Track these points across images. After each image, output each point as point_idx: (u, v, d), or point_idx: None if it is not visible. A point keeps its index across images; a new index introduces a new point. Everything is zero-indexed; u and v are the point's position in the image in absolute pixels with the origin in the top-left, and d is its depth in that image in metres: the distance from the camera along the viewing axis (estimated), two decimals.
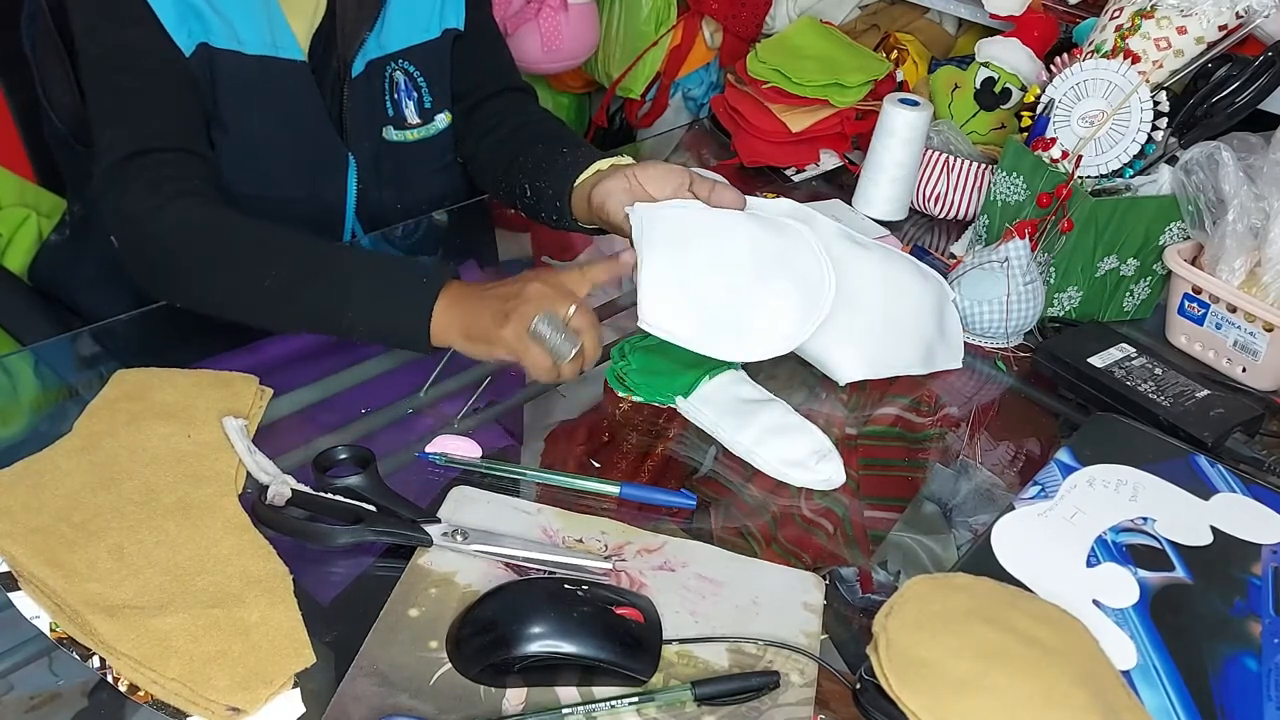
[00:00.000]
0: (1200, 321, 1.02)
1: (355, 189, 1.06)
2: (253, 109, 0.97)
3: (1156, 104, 1.00)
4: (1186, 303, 1.03)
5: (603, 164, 0.94)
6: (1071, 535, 0.76)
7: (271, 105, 0.98)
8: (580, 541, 0.74)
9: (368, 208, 1.09)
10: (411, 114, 1.08)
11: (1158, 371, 0.95)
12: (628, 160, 0.93)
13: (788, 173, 1.35)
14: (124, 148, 0.89)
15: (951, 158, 1.23)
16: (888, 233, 1.19)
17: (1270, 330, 0.96)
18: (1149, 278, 1.09)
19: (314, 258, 0.86)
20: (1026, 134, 1.08)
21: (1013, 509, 0.78)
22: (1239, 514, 0.79)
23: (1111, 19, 1.05)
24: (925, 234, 1.25)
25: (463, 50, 1.10)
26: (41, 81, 1.09)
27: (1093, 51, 1.05)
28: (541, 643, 0.62)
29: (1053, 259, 1.04)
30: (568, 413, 0.90)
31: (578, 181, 0.94)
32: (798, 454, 0.83)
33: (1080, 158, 1.03)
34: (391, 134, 1.07)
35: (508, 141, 1.08)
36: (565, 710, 0.61)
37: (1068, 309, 1.07)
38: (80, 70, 0.94)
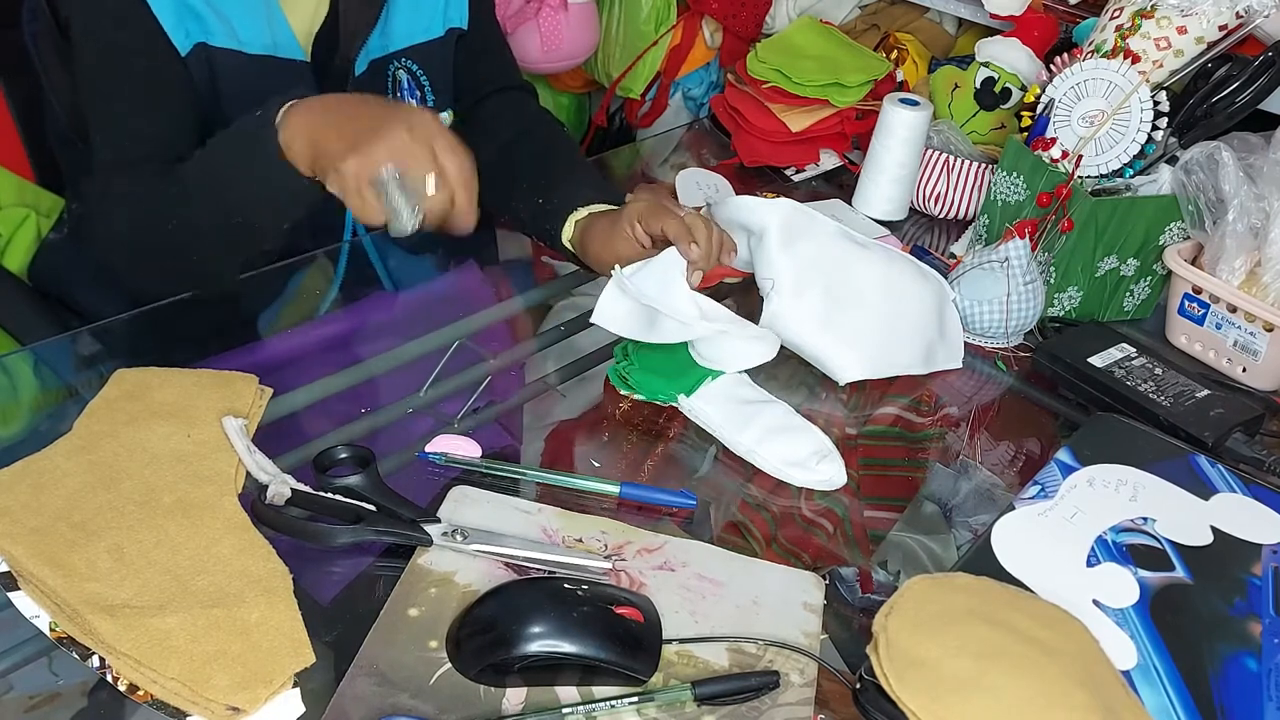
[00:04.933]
0: (1200, 321, 1.02)
1: None
2: (254, 109, 0.96)
3: (1156, 104, 1.00)
4: (1186, 303, 1.03)
5: (596, 207, 0.96)
6: (1071, 535, 0.76)
7: None
8: (580, 541, 0.74)
9: None
10: None
11: (1158, 371, 0.95)
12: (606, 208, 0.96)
13: (788, 173, 1.35)
14: (107, 159, 0.91)
15: (951, 158, 1.23)
16: (888, 233, 1.19)
17: (1270, 330, 0.96)
18: (1149, 278, 1.09)
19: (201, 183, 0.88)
20: (1026, 134, 1.08)
21: (1013, 509, 0.78)
22: (1239, 514, 0.79)
23: (1111, 19, 1.05)
24: (925, 234, 1.25)
25: (465, 49, 1.10)
26: (45, 76, 1.09)
27: (1093, 51, 1.05)
28: (541, 642, 0.62)
29: (1053, 259, 1.04)
30: (568, 413, 0.90)
31: (571, 223, 0.97)
32: (798, 454, 0.83)
33: (1080, 158, 1.03)
34: None
35: (506, 152, 1.08)
36: (565, 710, 0.61)
37: (1068, 309, 1.07)
38: (76, 71, 0.94)
